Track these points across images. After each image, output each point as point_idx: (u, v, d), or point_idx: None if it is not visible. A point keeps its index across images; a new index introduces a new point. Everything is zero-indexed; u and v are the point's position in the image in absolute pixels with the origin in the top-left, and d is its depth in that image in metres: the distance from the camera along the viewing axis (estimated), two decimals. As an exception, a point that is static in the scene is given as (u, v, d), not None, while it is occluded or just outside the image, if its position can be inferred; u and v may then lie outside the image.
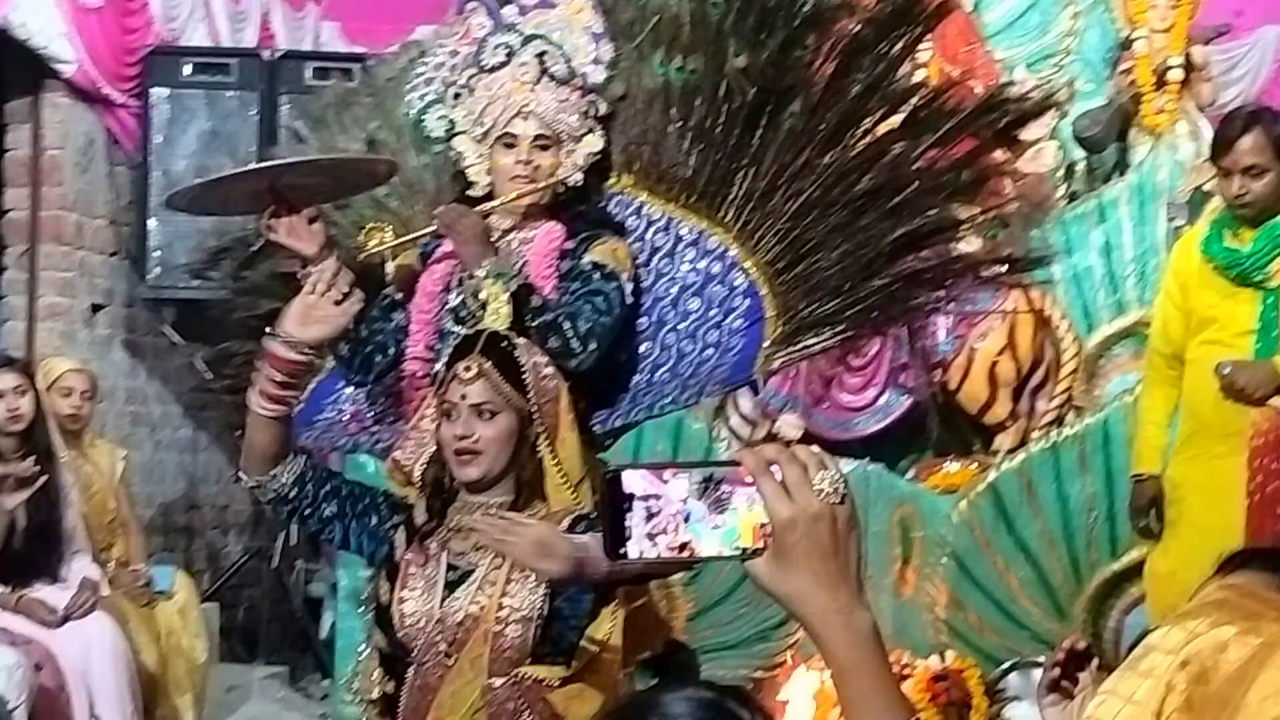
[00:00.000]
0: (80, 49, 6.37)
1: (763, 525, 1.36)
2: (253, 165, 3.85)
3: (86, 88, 6.57)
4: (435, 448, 3.09)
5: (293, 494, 3.12)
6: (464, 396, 3.00)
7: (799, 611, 1.36)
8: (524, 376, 3.02)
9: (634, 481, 1.38)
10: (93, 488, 5.66)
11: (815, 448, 1.41)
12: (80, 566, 5.20)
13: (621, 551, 1.38)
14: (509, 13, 3.69)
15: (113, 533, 5.76)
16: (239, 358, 4.06)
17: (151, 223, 6.76)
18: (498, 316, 3.34)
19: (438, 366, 3.38)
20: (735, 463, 1.38)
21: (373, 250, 3.52)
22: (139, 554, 5.87)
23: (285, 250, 3.44)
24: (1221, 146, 4.42)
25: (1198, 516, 4.49)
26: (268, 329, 3.09)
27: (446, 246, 3.55)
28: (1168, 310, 4.64)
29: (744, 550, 1.37)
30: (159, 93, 6.76)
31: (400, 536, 3.09)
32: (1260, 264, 4.40)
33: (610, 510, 1.39)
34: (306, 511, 3.15)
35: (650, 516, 1.37)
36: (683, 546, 1.37)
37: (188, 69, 6.81)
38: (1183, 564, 4.33)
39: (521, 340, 3.13)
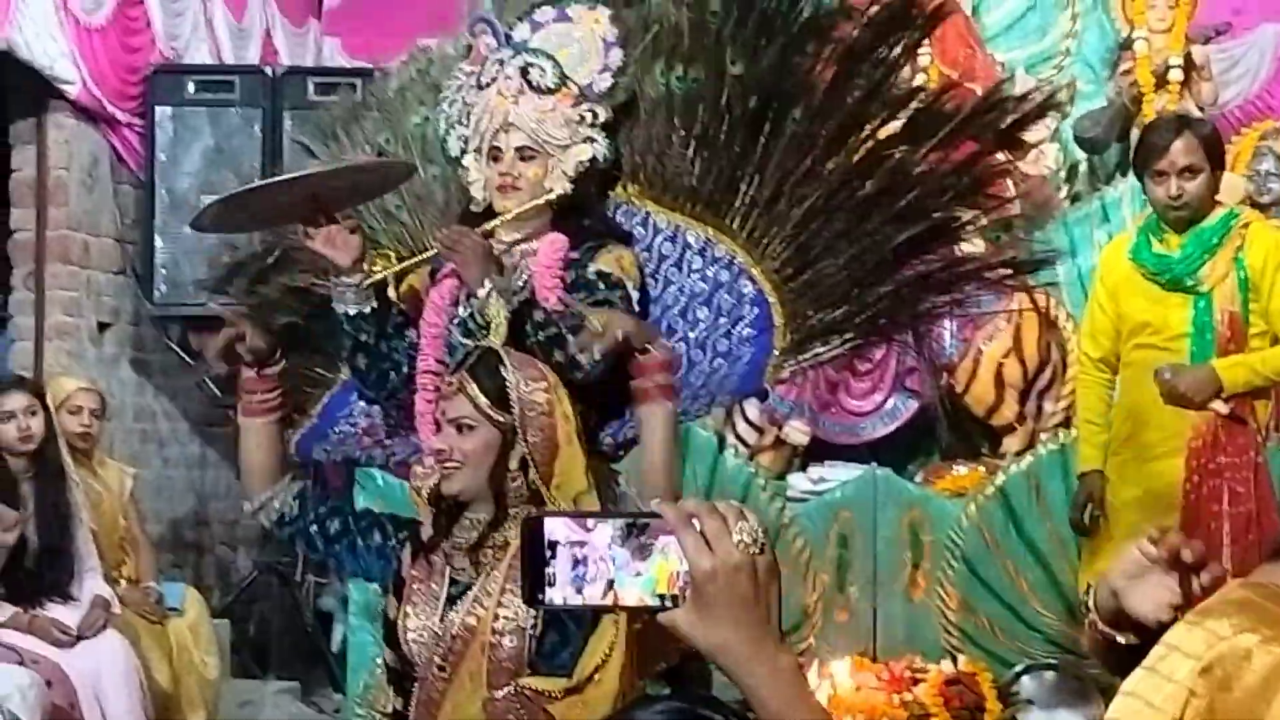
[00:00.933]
0: (84, 69, 6.38)
1: (678, 573, 1.38)
2: (293, 174, 3.85)
3: (91, 107, 6.58)
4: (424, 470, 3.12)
5: (294, 513, 3.15)
6: (444, 412, 3.03)
7: (722, 662, 1.38)
8: (507, 390, 3.01)
9: (557, 529, 1.40)
10: (103, 506, 5.67)
11: (734, 502, 1.43)
12: (92, 585, 5.22)
13: (540, 597, 1.40)
14: (523, 30, 3.71)
15: (123, 551, 5.78)
16: None
17: (157, 240, 6.78)
18: (496, 335, 3.35)
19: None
20: (656, 514, 1.39)
21: (378, 275, 3.52)
22: (149, 571, 5.88)
23: (301, 264, 3.46)
24: (1155, 151, 4.46)
25: (1133, 515, 4.55)
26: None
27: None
28: (1096, 316, 4.69)
29: (663, 598, 1.39)
30: (163, 111, 6.78)
31: (406, 552, 3.10)
32: (1190, 269, 4.46)
33: (530, 556, 1.40)
34: (311, 530, 3.16)
35: (576, 563, 1.39)
36: (607, 594, 1.39)
37: (191, 87, 6.84)
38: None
39: (513, 355, 3.11)
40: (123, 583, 5.61)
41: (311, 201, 3.41)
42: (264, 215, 3.64)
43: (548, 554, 1.39)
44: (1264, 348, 4.47)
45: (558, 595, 1.39)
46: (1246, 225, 4.53)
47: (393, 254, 3.65)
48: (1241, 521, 4.37)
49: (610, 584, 1.39)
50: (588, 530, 1.39)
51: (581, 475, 3.10)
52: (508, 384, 3.01)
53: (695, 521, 1.37)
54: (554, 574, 1.39)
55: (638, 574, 1.39)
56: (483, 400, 2.99)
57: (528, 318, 3.39)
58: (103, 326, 6.89)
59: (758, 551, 1.38)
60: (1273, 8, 7.66)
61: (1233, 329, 4.45)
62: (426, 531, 3.09)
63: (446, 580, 3.03)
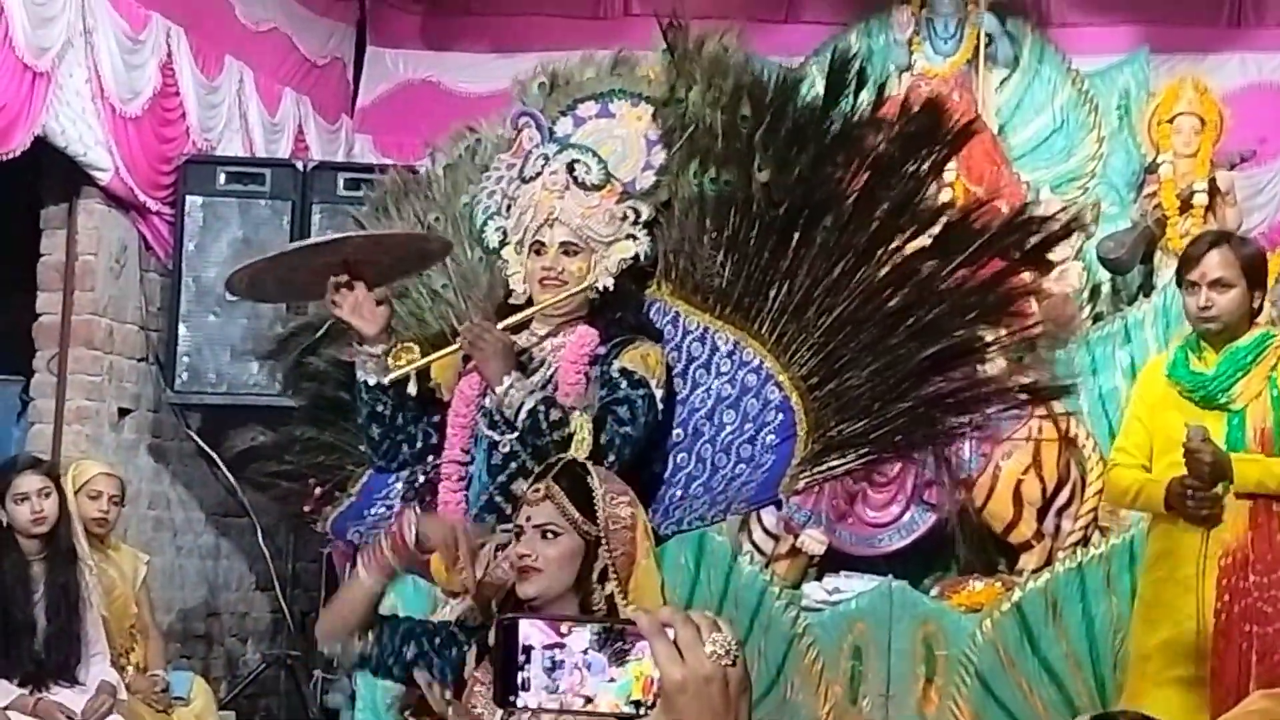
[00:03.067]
0: (117, 157, 6.45)
1: (653, 679, 1.38)
2: (326, 237, 3.87)
3: (122, 195, 6.64)
4: (504, 571, 3.13)
5: (372, 651, 3.16)
6: (529, 518, 3.05)
7: None
8: (594, 502, 3.05)
9: (531, 633, 1.39)
10: (115, 591, 5.66)
11: (709, 612, 1.43)
12: (99, 670, 5.20)
13: (512, 699, 1.39)
14: (565, 125, 3.74)
15: (133, 638, 5.75)
16: (299, 443, 4.07)
17: (181, 329, 6.82)
18: (580, 447, 3.37)
19: (471, 469, 3.45)
20: (631, 621, 1.39)
21: (403, 370, 3.53)
22: (158, 659, 5.85)
23: (347, 335, 3.47)
24: (1190, 261, 4.51)
25: (1160, 661, 4.51)
26: (407, 502, 3.26)
27: None
28: (1134, 430, 4.68)
29: (639, 705, 1.38)
30: (193, 201, 6.85)
31: (472, 654, 3.12)
32: (1224, 386, 4.46)
33: (505, 658, 1.40)
34: (390, 663, 3.17)
35: (553, 668, 1.39)
36: (582, 700, 1.38)
37: (222, 178, 6.90)
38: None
39: (598, 468, 3.16)
40: (130, 669, 5.59)
41: (343, 268, 3.43)
42: (296, 281, 3.64)
43: (522, 657, 1.39)
44: None
45: (531, 699, 1.39)
46: None
47: (416, 347, 3.66)
48: (1270, 642, 4.33)
49: (585, 690, 1.38)
50: (563, 635, 1.39)
51: (657, 591, 3.14)
52: (595, 495, 3.06)
53: (669, 630, 1.37)
54: (528, 678, 1.39)
55: (612, 680, 1.38)
56: (572, 509, 3.03)
57: (545, 415, 3.40)
58: (123, 412, 6.91)
59: (729, 663, 1.38)
60: (1299, 138, 7.71)
61: (1264, 446, 4.44)
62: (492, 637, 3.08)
63: None
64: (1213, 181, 7.08)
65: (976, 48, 7.44)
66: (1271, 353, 4.49)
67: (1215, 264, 4.46)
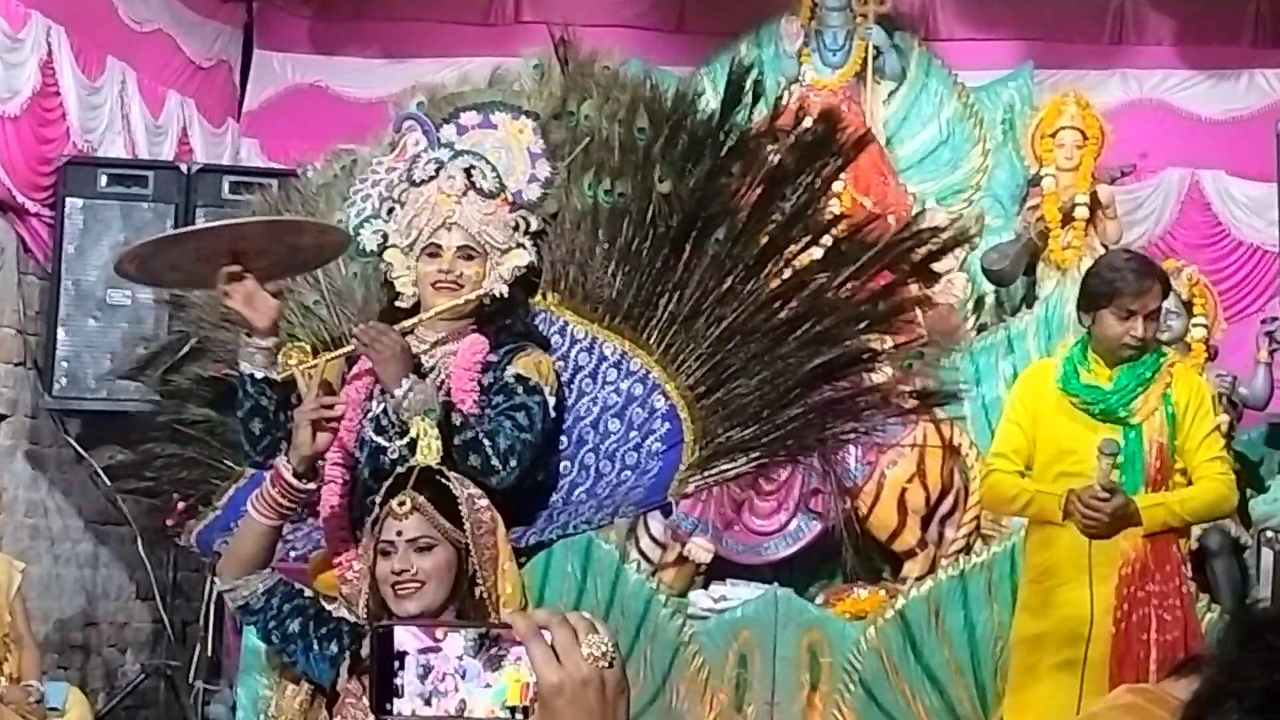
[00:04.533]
0: (-6, 157, 6.33)
1: (529, 684, 1.37)
2: (221, 221, 3.79)
3: (0, 196, 6.52)
4: (371, 587, 3.09)
5: (260, 604, 3.18)
6: (400, 533, 3.02)
7: None
8: (459, 509, 3.04)
9: (406, 639, 1.38)
10: (-12, 600, 5.55)
11: (586, 613, 1.42)
12: (-29, 680, 5.08)
13: (388, 707, 1.38)
14: (448, 132, 3.73)
15: (6, 647, 5.66)
16: (160, 460, 4.03)
17: (60, 333, 6.70)
18: (429, 452, 3.34)
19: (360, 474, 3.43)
20: (507, 625, 1.39)
21: (293, 369, 3.48)
22: (33, 670, 5.75)
23: (214, 354, 3.41)
24: (1129, 292, 4.47)
25: (1038, 651, 4.56)
26: (282, 454, 3.25)
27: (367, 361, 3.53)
28: (1012, 434, 4.69)
29: (514, 710, 1.38)
30: (73, 203, 6.73)
31: (344, 666, 3.10)
32: (1125, 400, 4.51)
33: (379, 666, 1.39)
34: (270, 625, 3.18)
35: (426, 673, 1.38)
36: (457, 706, 1.38)
37: (103, 180, 6.79)
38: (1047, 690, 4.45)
39: (455, 474, 3.15)
40: (3, 680, 5.48)
41: (233, 257, 3.37)
42: (186, 266, 3.55)
43: (396, 663, 1.38)
44: (1182, 483, 4.54)
45: (406, 706, 1.38)
46: (1173, 365, 4.64)
47: (307, 346, 3.62)
48: (1169, 649, 4.39)
49: (460, 695, 1.37)
50: (438, 640, 1.38)
51: (520, 592, 3.12)
52: (459, 501, 3.05)
53: (546, 633, 1.36)
54: (402, 684, 1.37)
55: (488, 685, 1.38)
56: (442, 519, 3.02)
57: (444, 421, 3.38)
58: (-1, 418, 6.77)
59: (607, 665, 1.37)
60: (1178, 153, 7.87)
61: (1161, 460, 4.51)
62: (365, 650, 3.05)
63: None
64: (1094, 195, 7.21)
65: (865, 60, 7.52)
66: (1165, 371, 4.56)
67: (1155, 295, 4.50)
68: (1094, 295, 4.55)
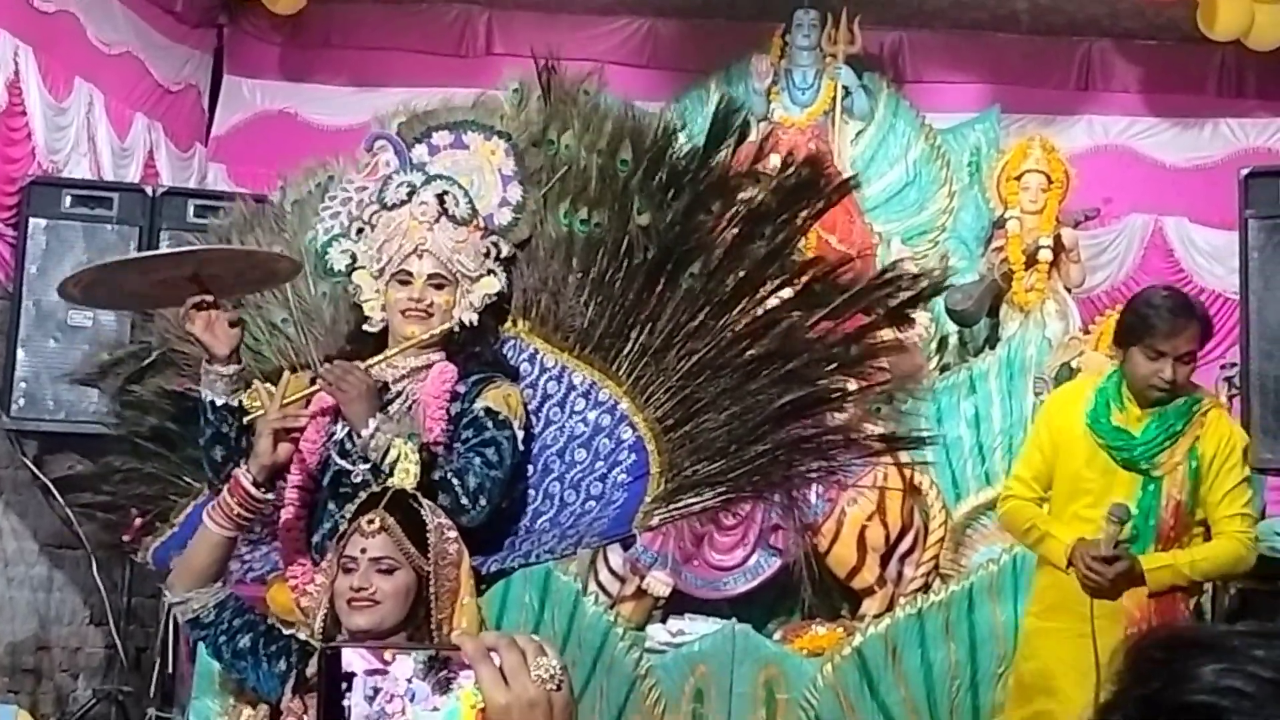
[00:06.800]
0: (-42, 176, 6.29)
1: (478, 706, 1.37)
2: (174, 249, 3.76)
3: (-38, 215, 6.48)
4: (329, 602, 3.08)
5: (210, 618, 3.17)
6: (364, 550, 3.02)
7: None
8: (428, 536, 3.03)
9: (354, 660, 1.38)
10: (-61, 622, 5.48)
11: (536, 636, 1.43)
12: (-81, 703, 5.02)
13: None
14: (420, 152, 3.72)
15: (-43, 670, 5.57)
16: (119, 474, 4.00)
17: (19, 353, 6.64)
18: (406, 475, 3.32)
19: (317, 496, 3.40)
20: (456, 648, 1.39)
21: (253, 416, 3.44)
22: (-17, 693, 5.67)
23: (178, 367, 3.38)
24: (1164, 332, 4.31)
25: (1072, 691, 4.37)
26: (242, 463, 3.25)
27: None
28: (1036, 461, 4.57)
29: None
30: (37, 223, 6.68)
31: (289, 685, 3.08)
32: (1151, 453, 4.37)
33: (327, 688, 1.38)
34: (220, 640, 3.17)
35: (374, 696, 1.38)
36: None
37: (68, 200, 6.75)
38: None
39: (429, 501, 3.14)
40: (-47, 703, 5.41)
41: (190, 283, 3.35)
42: (138, 291, 3.53)
43: (344, 685, 1.37)
44: (1200, 535, 4.41)
45: None
46: (1206, 413, 4.45)
47: (264, 392, 3.58)
48: None
49: (408, 718, 1.37)
50: (387, 662, 1.38)
51: (476, 628, 3.10)
52: (428, 528, 3.04)
53: (494, 655, 1.37)
54: (350, 706, 1.37)
55: (436, 709, 1.37)
56: (408, 543, 3.02)
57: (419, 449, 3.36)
58: (-45, 438, 6.71)
59: (554, 688, 1.38)
60: (1141, 199, 7.93)
61: (1176, 518, 4.37)
62: (311, 668, 3.04)
63: None
64: (1058, 238, 7.26)
65: (833, 100, 7.56)
66: (1198, 420, 4.41)
67: (1189, 338, 4.33)
68: (1126, 331, 4.39)
